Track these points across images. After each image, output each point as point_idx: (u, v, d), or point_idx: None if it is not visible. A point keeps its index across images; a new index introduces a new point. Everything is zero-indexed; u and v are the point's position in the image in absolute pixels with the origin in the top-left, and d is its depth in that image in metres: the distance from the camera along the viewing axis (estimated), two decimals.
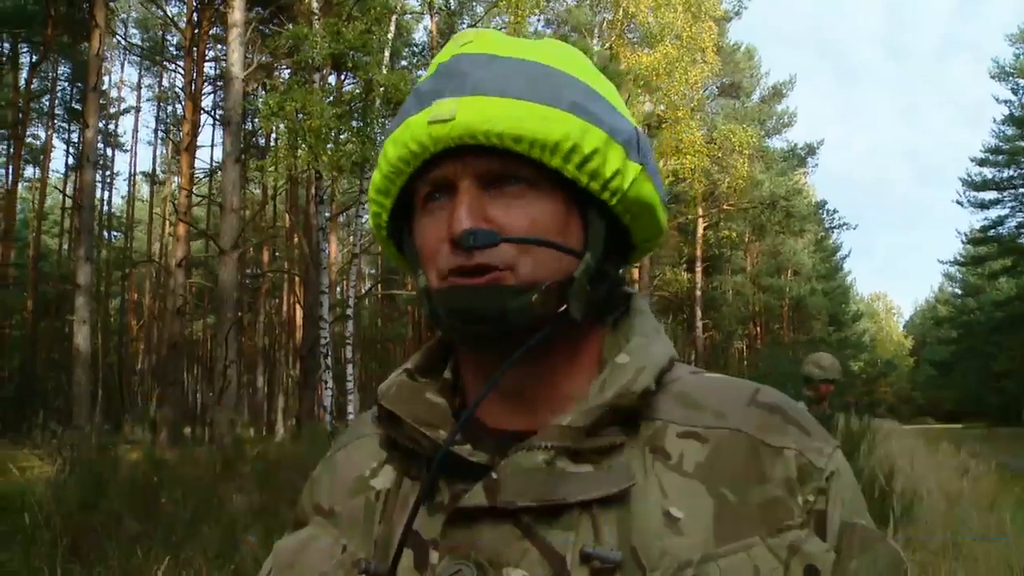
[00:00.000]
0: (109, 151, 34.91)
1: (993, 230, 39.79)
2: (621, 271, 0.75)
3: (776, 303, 40.63)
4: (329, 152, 13.33)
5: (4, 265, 25.39)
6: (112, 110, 34.74)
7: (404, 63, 19.73)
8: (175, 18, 24.25)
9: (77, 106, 27.98)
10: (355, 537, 0.71)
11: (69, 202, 26.31)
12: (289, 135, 13.85)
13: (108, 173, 34.50)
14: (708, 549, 0.59)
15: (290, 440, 15.90)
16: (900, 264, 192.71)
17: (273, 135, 21.27)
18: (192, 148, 22.03)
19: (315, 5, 14.31)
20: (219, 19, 22.07)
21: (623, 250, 0.74)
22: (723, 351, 37.02)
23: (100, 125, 22.08)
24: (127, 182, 37.83)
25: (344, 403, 14.93)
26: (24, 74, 26.42)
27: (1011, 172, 38.53)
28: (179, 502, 7.30)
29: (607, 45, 22.99)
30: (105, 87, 30.01)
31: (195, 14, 22.29)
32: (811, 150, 35.47)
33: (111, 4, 19.28)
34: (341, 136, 13.99)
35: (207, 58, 24.75)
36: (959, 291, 57.10)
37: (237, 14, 14.32)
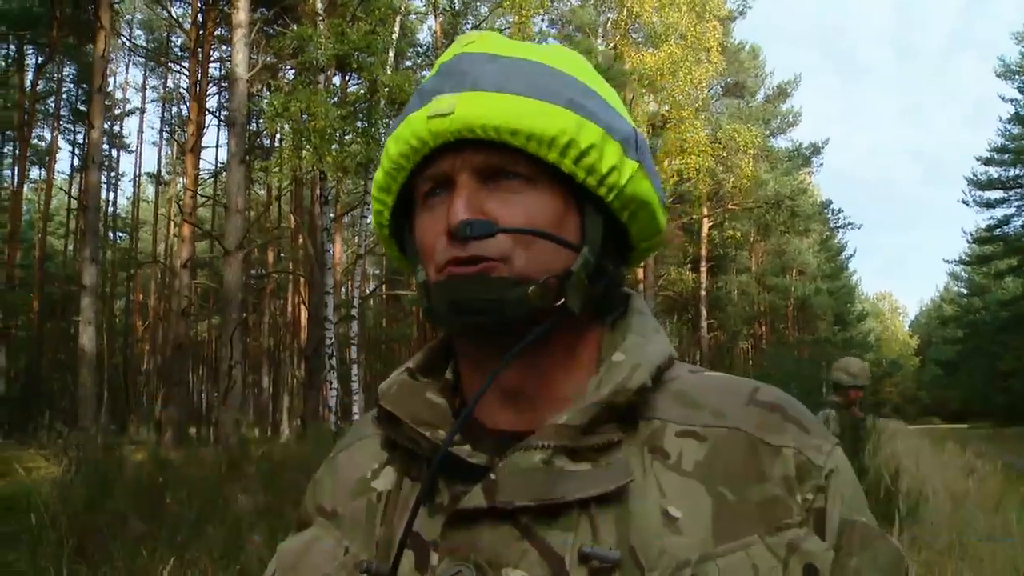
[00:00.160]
0: (114, 152, 35.05)
1: (999, 229, 39.68)
2: (620, 270, 0.75)
3: (781, 303, 40.57)
4: (334, 153, 13.36)
5: (10, 266, 25.46)
6: (117, 111, 34.84)
7: (408, 63, 19.78)
8: (180, 19, 24.27)
9: (82, 107, 28.06)
10: (357, 538, 0.71)
11: (74, 203, 26.41)
12: (294, 136, 13.89)
13: (113, 174, 34.67)
14: (707, 548, 0.59)
15: (295, 440, 15.91)
16: (905, 263, 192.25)
17: (278, 136, 21.38)
18: (197, 149, 22.06)
19: (319, 6, 14.35)
20: (224, 20, 22.11)
21: (622, 249, 0.74)
22: (728, 351, 36.98)
23: (105, 126, 22.16)
24: (132, 183, 37.99)
25: (349, 403, 14.98)
26: (30, 75, 26.55)
27: (1017, 171, 38.43)
28: (184, 502, 7.31)
29: (611, 45, 23.00)
30: (110, 88, 30.19)
31: (200, 15, 22.33)
32: (816, 149, 35.44)
33: (116, 5, 19.32)
34: (346, 137, 14.02)
35: (212, 59, 24.79)
36: (965, 290, 56.92)
37: (242, 15, 14.34)
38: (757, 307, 38.80)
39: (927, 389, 66.54)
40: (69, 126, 31.67)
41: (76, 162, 31.77)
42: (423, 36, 22.86)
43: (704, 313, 31.33)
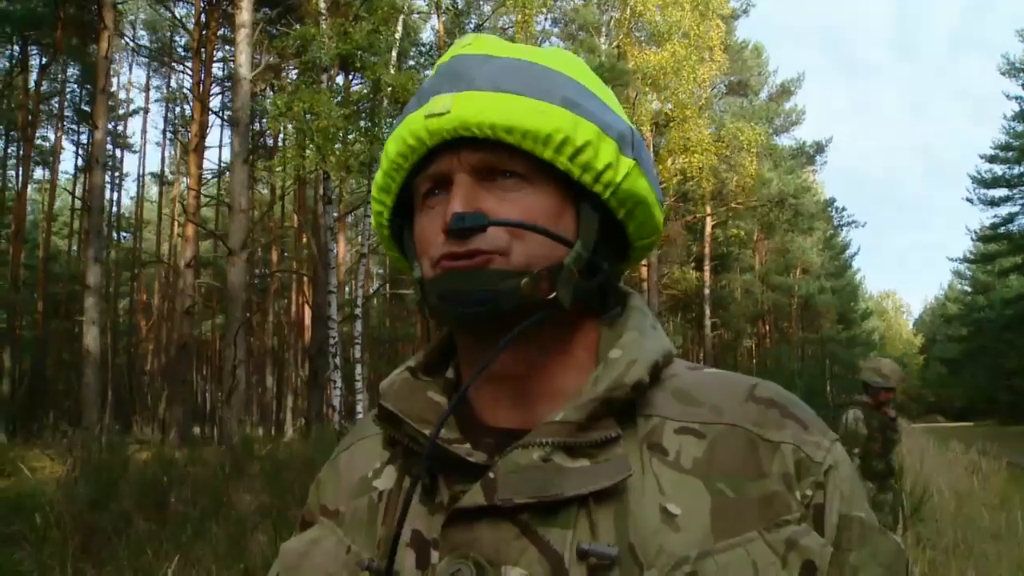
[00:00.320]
0: (118, 152, 35.05)
1: (1003, 227, 39.59)
2: (618, 267, 0.76)
3: (785, 301, 40.52)
4: (337, 152, 13.37)
5: (14, 266, 25.49)
6: (121, 111, 34.84)
7: (411, 63, 19.74)
8: (183, 19, 24.30)
9: (86, 108, 28.06)
10: (359, 537, 0.71)
11: (78, 203, 26.45)
12: (297, 135, 13.91)
13: (117, 174, 34.66)
14: (706, 545, 0.59)
15: (299, 440, 15.92)
16: (909, 262, 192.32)
17: (281, 136, 21.38)
18: (200, 149, 22.08)
19: (322, 6, 14.36)
20: (227, 20, 22.12)
21: (620, 247, 0.75)
22: (732, 349, 36.97)
23: (109, 126, 22.20)
24: (136, 183, 38.00)
25: (353, 403, 15.00)
26: (34, 76, 26.54)
27: (1021, 169, 38.32)
28: (188, 502, 7.33)
29: (614, 44, 22.95)
30: (114, 89, 30.17)
31: (203, 15, 22.33)
32: (819, 148, 35.39)
33: (119, 6, 19.33)
34: (349, 136, 14.03)
35: (215, 59, 24.79)
36: (969, 289, 56.80)
37: (245, 15, 14.35)
38: (761, 306, 38.75)
39: (931, 387, 66.46)
40: (73, 126, 31.67)
41: (80, 162, 31.76)
42: (426, 35, 22.83)
43: (708, 312, 31.29)
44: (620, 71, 19.63)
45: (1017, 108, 37.83)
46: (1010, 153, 38.71)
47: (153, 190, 41.24)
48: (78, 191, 27.61)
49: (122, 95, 35.49)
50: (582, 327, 0.71)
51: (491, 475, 0.62)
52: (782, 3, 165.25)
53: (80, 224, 27.98)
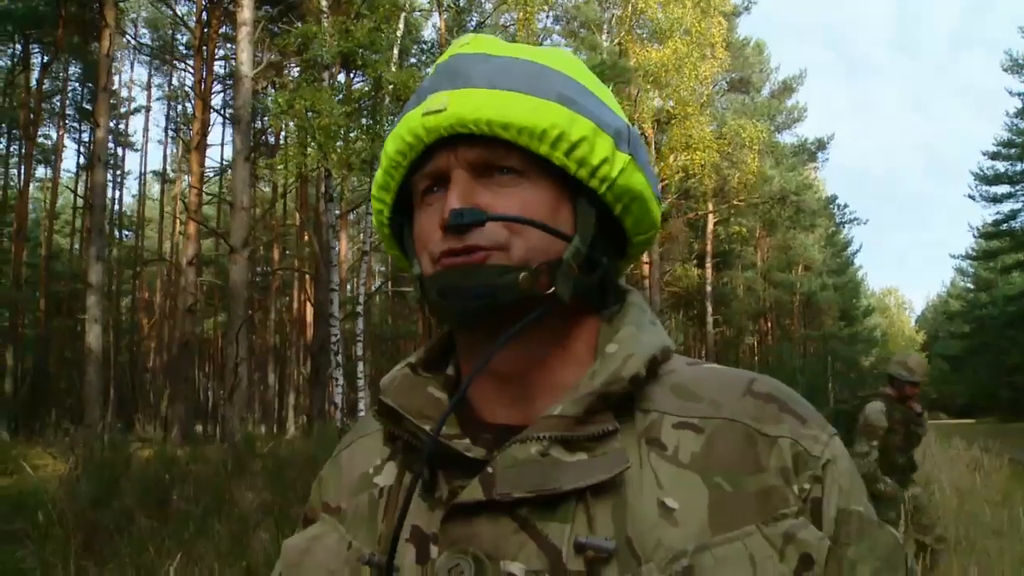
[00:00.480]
0: (120, 150, 35.10)
1: (1005, 224, 39.45)
2: (616, 263, 0.76)
3: (787, 298, 40.49)
4: (339, 150, 13.37)
5: (16, 264, 25.51)
6: (123, 109, 34.90)
7: (413, 60, 19.71)
8: (184, 17, 24.30)
9: (88, 106, 28.10)
10: (360, 533, 0.72)
11: (80, 201, 26.45)
12: (299, 133, 13.91)
13: (119, 172, 34.73)
14: (703, 539, 0.60)
15: (301, 437, 15.93)
16: (911, 259, 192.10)
17: (283, 133, 21.36)
18: (202, 147, 22.08)
19: (324, 3, 14.35)
20: (228, 18, 22.10)
21: (618, 243, 0.75)
22: (734, 347, 36.97)
23: (111, 125, 22.20)
24: (138, 181, 37.95)
25: (355, 400, 15.00)
26: (35, 74, 26.54)
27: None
28: (190, 499, 7.34)
29: (616, 41, 22.94)
30: (115, 87, 30.22)
31: (204, 13, 22.35)
32: (821, 145, 35.37)
33: (121, 4, 19.31)
34: (351, 134, 14.03)
35: (217, 57, 24.80)
36: (971, 286, 56.73)
37: (246, 13, 14.33)
38: (763, 303, 38.74)
39: (933, 384, 66.27)
40: (75, 125, 31.68)
41: (82, 160, 31.81)
42: (428, 33, 22.80)
43: (710, 309, 31.27)
44: (622, 68, 19.62)
45: (1020, 104, 37.70)
46: (1013, 150, 38.57)
47: (155, 188, 41.34)
48: (80, 189, 27.63)
49: (124, 93, 35.57)
50: (581, 323, 0.71)
51: (489, 470, 0.63)
52: (784, 0, 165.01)
53: (82, 222, 27.98)
